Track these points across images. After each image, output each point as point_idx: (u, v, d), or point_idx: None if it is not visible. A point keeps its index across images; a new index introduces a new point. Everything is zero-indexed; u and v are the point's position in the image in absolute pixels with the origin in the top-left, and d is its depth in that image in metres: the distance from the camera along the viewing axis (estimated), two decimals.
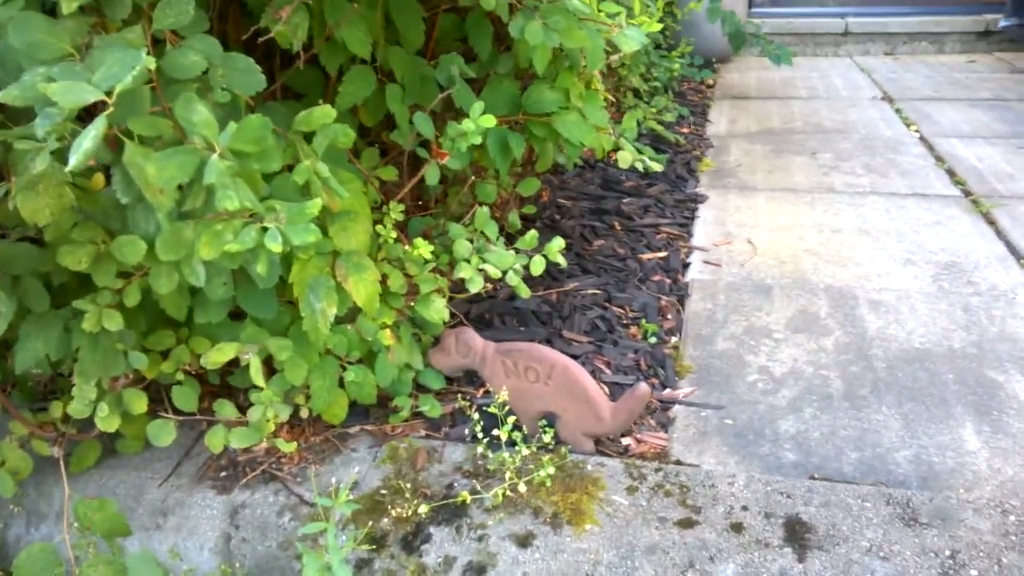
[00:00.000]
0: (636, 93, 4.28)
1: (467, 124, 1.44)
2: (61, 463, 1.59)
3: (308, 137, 1.30)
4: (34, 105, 0.86)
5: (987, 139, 3.78)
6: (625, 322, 2.20)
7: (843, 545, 1.42)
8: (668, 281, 2.45)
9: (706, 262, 2.60)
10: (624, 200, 3.04)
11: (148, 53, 0.98)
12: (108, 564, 1.41)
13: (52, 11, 1.03)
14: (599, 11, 1.89)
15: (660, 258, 2.60)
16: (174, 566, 1.62)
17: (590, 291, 2.34)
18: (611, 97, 2.70)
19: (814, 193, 3.18)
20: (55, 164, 0.99)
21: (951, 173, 3.33)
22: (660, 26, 2.10)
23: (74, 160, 0.81)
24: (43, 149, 0.88)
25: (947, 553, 1.39)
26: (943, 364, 1.98)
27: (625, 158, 2.05)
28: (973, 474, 1.62)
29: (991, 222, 2.82)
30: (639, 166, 2.08)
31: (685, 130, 4.14)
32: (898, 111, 4.40)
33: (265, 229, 1.04)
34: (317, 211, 1.06)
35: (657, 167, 2.12)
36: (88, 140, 0.81)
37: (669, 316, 2.26)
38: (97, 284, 1.25)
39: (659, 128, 3.83)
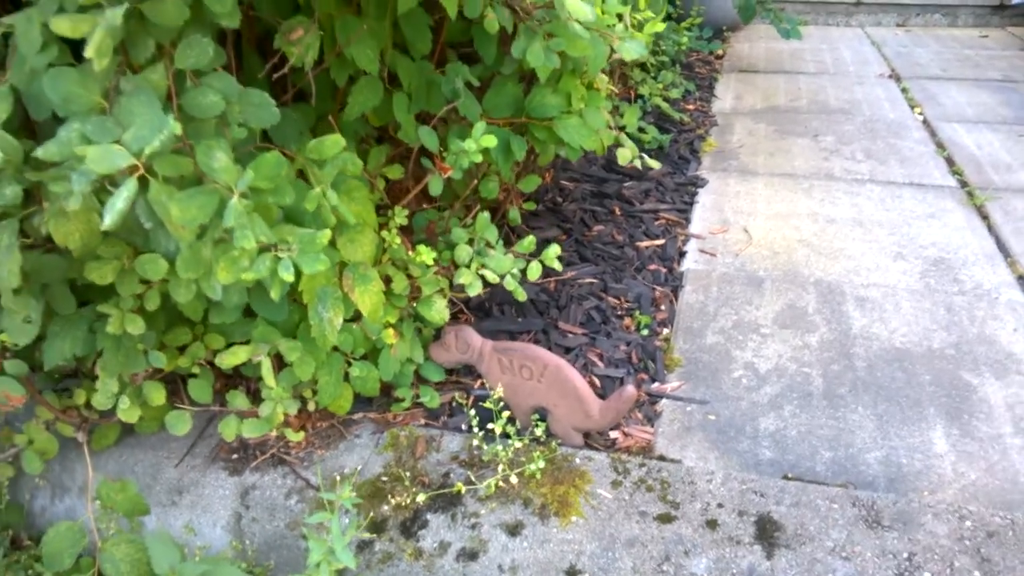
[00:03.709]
0: (643, 67, 4.30)
1: (468, 144, 1.51)
2: (85, 447, 1.71)
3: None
4: (70, 161, 0.94)
5: (990, 124, 3.81)
6: (620, 313, 2.29)
7: (809, 544, 1.54)
8: (664, 270, 2.53)
9: (702, 251, 2.68)
10: (626, 184, 3.11)
11: (169, 96, 1.06)
12: (130, 543, 1.53)
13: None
14: (602, 11, 1.94)
15: (657, 246, 2.68)
16: (189, 540, 1.74)
17: (587, 280, 2.43)
18: (614, 89, 2.74)
19: (812, 179, 3.23)
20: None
21: (950, 162, 3.38)
22: (663, 26, 2.14)
23: (108, 220, 0.89)
24: (75, 193, 0.97)
25: (904, 555, 1.50)
26: (921, 365, 2.07)
27: (624, 155, 2.11)
28: (938, 477, 1.72)
29: (984, 216, 2.88)
30: (637, 164, 2.14)
31: (691, 106, 4.17)
32: (904, 91, 4.41)
33: (279, 258, 1.13)
34: (327, 241, 1.15)
35: (655, 165, 2.18)
36: (121, 201, 0.89)
37: (663, 307, 2.34)
38: (120, 294, 1.34)
39: (664, 106, 3.86)
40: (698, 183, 3.20)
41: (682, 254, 2.66)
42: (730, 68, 5.00)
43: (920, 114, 4.02)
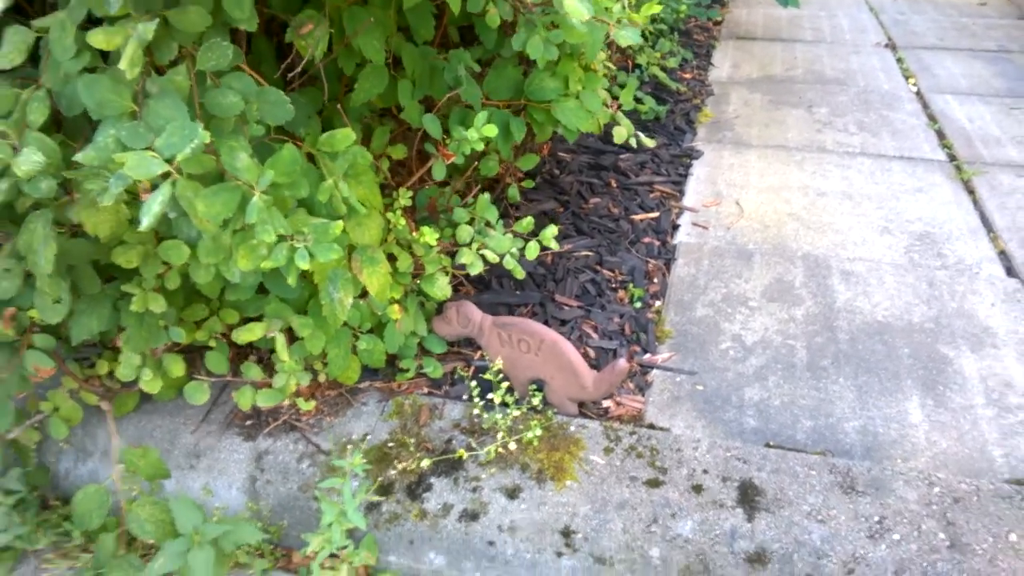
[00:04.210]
0: (642, 35, 4.33)
1: (471, 133, 1.59)
2: (109, 414, 1.81)
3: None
4: (107, 165, 1.02)
5: (982, 97, 3.87)
6: (614, 285, 2.39)
7: (787, 508, 1.65)
8: (657, 243, 2.62)
9: (695, 224, 2.76)
10: (622, 156, 3.18)
11: (191, 90, 1.14)
12: (154, 504, 1.64)
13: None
14: None
15: (651, 219, 2.76)
16: (206, 502, 1.86)
17: (583, 253, 2.51)
18: (611, 65, 2.80)
19: (805, 152, 3.30)
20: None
21: (941, 135, 3.45)
22: (660, 8, 2.20)
23: (146, 222, 0.98)
24: (111, 192, 1.05)
25: (876, 519, 1.62)
26: (901, 338, 2.17)
27: (620, 134, 2.19)
28: (912, 445, 1.83)
29: (970, 191, 2.96)
30: (632, 142, 2.22)
31: (688, 75, 4.21)
32: (899, 60, 4.45)
33: (295, 248, 1.22)
34: (340, 231, 1.23)
35: (650, 143, 2.26)
36: (156, 205, 0.97)
37: (655, 280, 2.44)
38: (144, 276, 1.43)
39: (662, 75, 3.91)
40: (693, 155, 3.27)
41: (675, 227, 2.74)
42: (728, 35, 5.02)
43: (914, 85, 4.07)
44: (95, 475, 1.94)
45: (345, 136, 1.33)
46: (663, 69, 4.12)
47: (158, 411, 1.98)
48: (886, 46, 4.74)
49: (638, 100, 3.60)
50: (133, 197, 1.22)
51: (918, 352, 2.11)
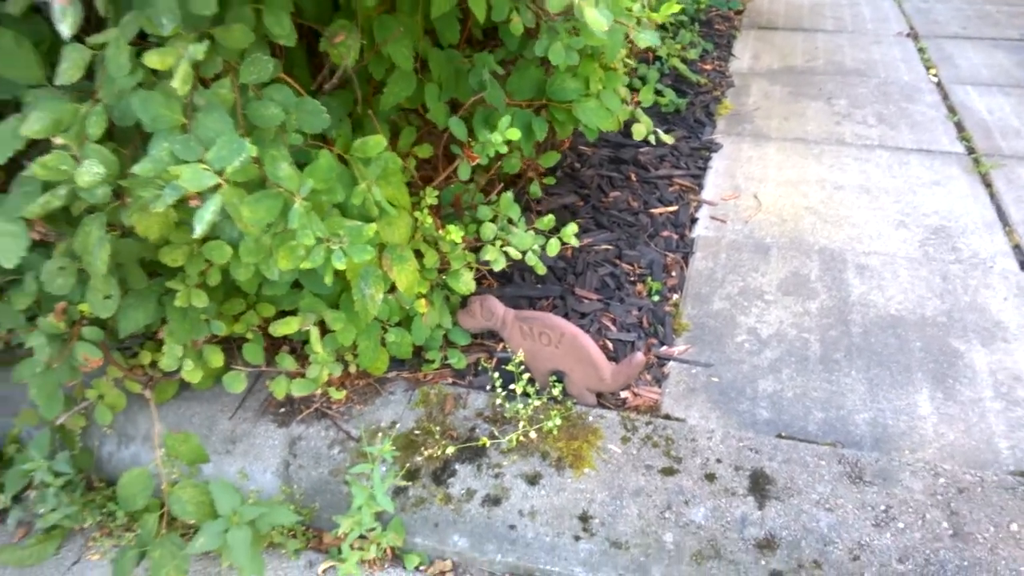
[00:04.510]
0: (662, 26, 4.36)
1: (495, 136, 1.66)
2: (151, 402, 1.91)
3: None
4: (160, 175, 1.11)
5: (1003, 88, 3.87)
6: (632, 279, 2.45)
7: (797, 497, 1.72)
8: (676, 237, 2.68)
9: (713, 217, 2.81)
10: (642, 149, 3.23)
11: (235, 102, 1.21)
12: (194, 487, 1.74)
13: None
14: None
15: (670, 212, 2.82)
16: (242, 485, 1.95)
17: (603, 247, 2.58)
18: (631, 63, 2.85)
19: (823, 145, 3.34)
20: None
21: (960, 127, 3.47)
22: (680, 7, 2.25)
23: (199, 229, 1.06)
24: (162, 198, 1.13)
25: (882, 508, 1.69)
26: (913, 331, 2.22)
27: (639, 131, 2.25)
28: (920, 437, 1.89)
29: (987, 184, 2.99)
30: (652, 139, 2.28)
31: (708, 66, 4.25)
32: (921, 51, 4.45)
33: (331, 250, 1.30)
34: (373, 233, 1.31)
35: (668, 140, 2.31)
36: (209, 214, 1.06)
37: (673, 273, 2.50)
38: (188, 273, 1.52)
39: (682, 67, 3.95)
40: (712, 147, 3.32)
41: (694, 220, 2.80)
42: (749, 24, 5.04)
43: (935, 76, 4.08)
44: (136, 459, 2.04)
45: (377, 143, 1.41)
46: (683, 61, 4.16)
47: (196, 399, 2.08)
48: (908, 35, 4.73)
49: (658, 93, 3.65)
50: (180, 201, 1.31)
51: (930, 345, 2.17)
